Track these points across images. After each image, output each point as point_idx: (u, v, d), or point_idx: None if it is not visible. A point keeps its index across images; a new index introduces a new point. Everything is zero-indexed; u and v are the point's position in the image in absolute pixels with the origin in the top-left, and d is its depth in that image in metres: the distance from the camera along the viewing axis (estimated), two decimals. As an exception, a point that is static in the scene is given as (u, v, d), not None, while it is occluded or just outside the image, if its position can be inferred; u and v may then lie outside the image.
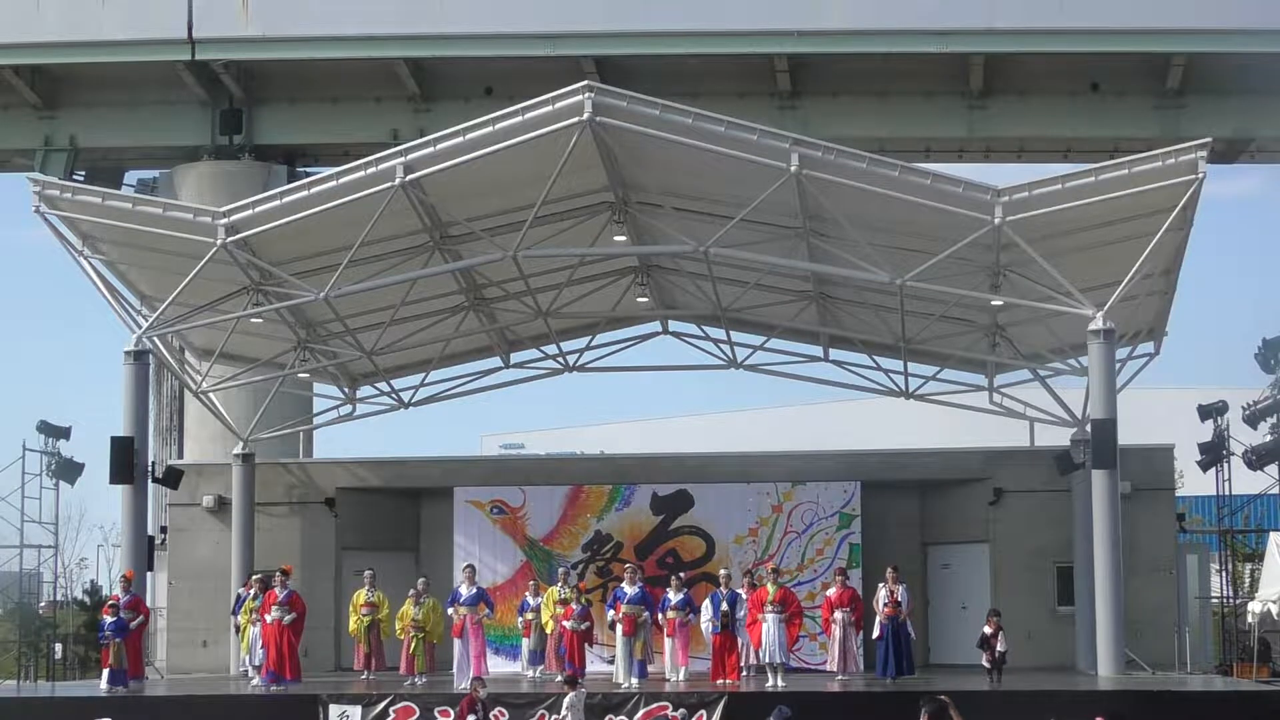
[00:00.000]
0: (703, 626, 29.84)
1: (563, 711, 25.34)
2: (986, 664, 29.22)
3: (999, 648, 29.09)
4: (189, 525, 35.37)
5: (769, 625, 28.93)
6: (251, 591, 30.51)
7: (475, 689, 25.08)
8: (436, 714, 26.64)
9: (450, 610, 29.84)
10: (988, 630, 29.35)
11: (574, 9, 40.06)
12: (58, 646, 39.82)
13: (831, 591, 29.81)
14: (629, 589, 29.47)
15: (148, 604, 31.44)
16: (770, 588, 29.24)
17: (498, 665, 31.99)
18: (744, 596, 29.60)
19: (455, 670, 29.54)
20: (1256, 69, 38.90)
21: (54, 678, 37.25)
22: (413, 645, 30.08)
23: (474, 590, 30.00)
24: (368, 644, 30.87)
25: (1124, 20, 39.02)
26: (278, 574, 30.38)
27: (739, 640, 29.30)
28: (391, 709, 26.86)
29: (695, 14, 39.87)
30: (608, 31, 40.10)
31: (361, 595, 30.99)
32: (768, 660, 28.96)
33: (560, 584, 30.83)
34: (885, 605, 29.17)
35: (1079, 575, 31.32)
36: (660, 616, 29.66)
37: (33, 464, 34.37)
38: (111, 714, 26.78)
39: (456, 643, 29.68)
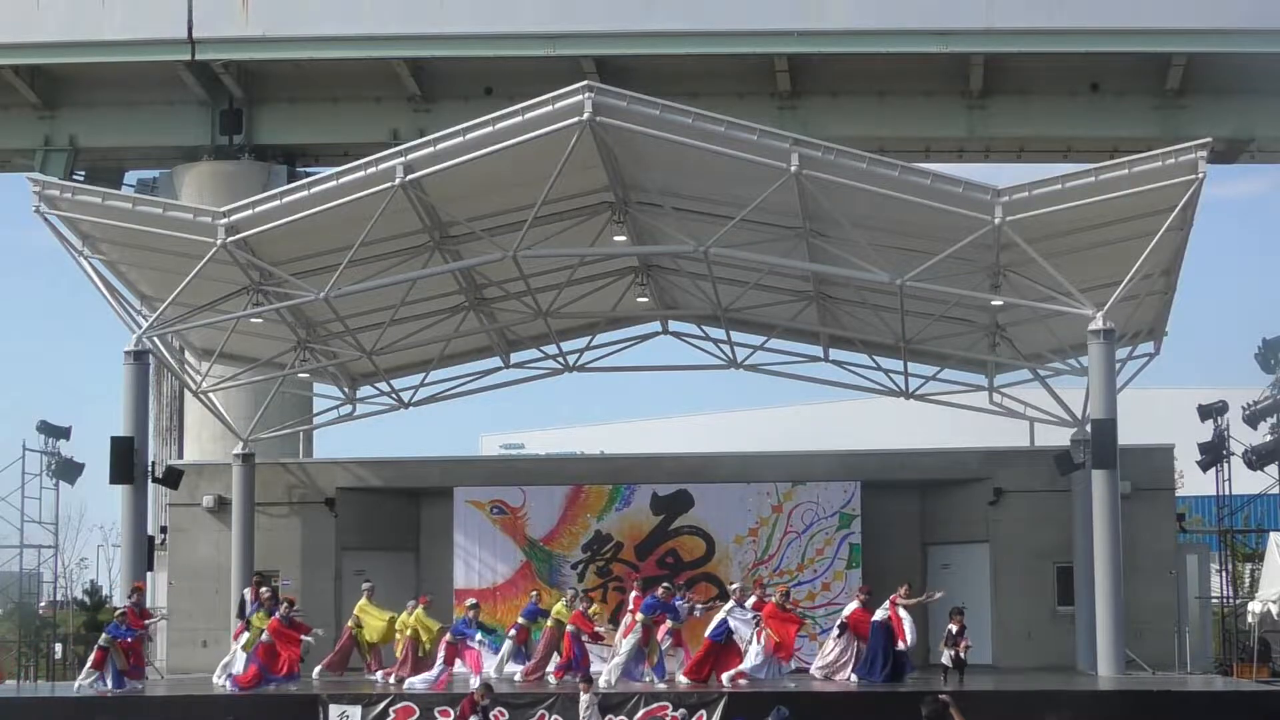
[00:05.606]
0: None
1: (584, 712, 25.35)
2: (947, 662, 29.03)
3: (965, 643, 28.97)
4: (189, 525, 35.37)
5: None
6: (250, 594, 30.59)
7: (481, 693, 24.86)
8: (436, 714, 26.61)
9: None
10: (953, 629, 29.27)
11: (574, 9, 40.06)
12: (58, 646, 39.82)
13: (852, 608, 29.68)
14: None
15: (147, 605, 31.51)
16: (778, 606, 28.86)
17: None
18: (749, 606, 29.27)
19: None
20: (1256, 69, 38.90)
21: (54, 678, 37.23)
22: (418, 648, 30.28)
23: None
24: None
25: (1124, 20, 39.02)
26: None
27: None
28: (391, 709, 26.86)
29: (695, 14, 39.87)
30: (608, 31, 40.10)
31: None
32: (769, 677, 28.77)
33: (572, 599, 30.65)
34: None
35: (1079, 575, 31.32)
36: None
37: (33, 464, 34.42)
38: (111, 714, 26.76)
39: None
